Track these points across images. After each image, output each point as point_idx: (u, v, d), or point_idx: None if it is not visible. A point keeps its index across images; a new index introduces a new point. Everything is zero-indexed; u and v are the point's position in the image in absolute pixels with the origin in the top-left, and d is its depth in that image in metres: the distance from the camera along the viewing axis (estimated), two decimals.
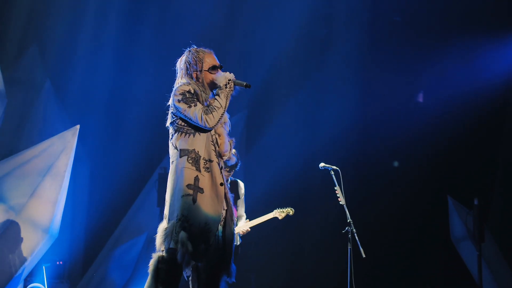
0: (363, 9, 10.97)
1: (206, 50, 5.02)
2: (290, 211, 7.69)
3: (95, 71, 10.80)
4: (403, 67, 10.93)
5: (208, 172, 4.74)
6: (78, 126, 7.43)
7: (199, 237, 4.62)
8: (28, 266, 7.19)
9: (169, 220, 4.69)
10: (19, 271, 6.93)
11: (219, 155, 4.86)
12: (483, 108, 10.32)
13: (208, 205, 4.69)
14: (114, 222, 10.68)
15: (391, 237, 10.44)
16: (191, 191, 4.65)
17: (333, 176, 6.83)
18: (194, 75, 4.93)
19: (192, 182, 4.66)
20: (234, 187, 7.63)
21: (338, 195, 6.74)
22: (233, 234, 4.89)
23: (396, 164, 11.12)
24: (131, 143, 10.70)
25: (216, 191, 4.75)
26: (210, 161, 4.77)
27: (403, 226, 10.49)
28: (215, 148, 4.83)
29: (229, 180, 7.57)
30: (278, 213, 7.68)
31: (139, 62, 10.88)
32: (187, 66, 4.95)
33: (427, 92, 11.25)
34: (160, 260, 4.66)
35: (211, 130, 4.79)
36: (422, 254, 10.42)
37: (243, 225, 7.59)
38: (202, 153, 4.76)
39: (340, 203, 6.71)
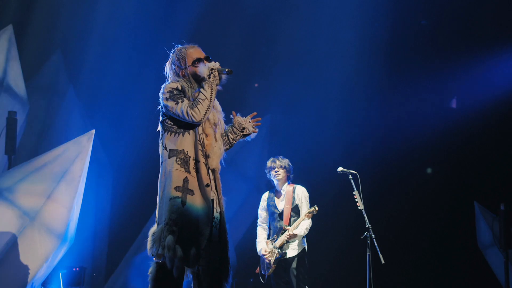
0: (388, 12, 10.84)
1: (189, 45, 4.95)
2: (313, 209, 7.49)
3: (119, 77, 10.82)
4: (428, 71, 10.79)
5: (197, 173, 4.64)
6: (93, 131, 7.34)
7: (190, 241, 4.50)
8: (44, 273, 7.16)
9: (158, 224, 4.58)
10: (35, 277, 6.91)
11: (206, 156, 4.73)
12: (510, 113, 10.13)
13: (199, 207, 4.57)
14: (136, 229, 10.66)
15: (413, 243, 10.30)
16: (179, 193, 4.54)
17: (352, 180, 6.75)
18: (181, 74, 4.87)
19: (180, 184, 4.56)
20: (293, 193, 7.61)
21: (356, 200, 6.65)
22: (227, 238, 4.80)
23: (429, 171, 10.98)
24: (154, 149, 10.65)
25: (205, 193, 4.63)
26: (198, 161, 4.66)
27: (427, 232, 10.36)
28: (202, 148, 4.71)
29: (285, 185, 7.56)
30: (307, 215, 7.52)
31: (163, 67, 10.84)
32: (173, 67, 4.90)
33: (453, 97, 11.09)
34: (159, 267, 4.54)
35: (199, 124, 4.69)
36: (448, 260, 10.26)
37: (285, 234, 7.45)
38: (192, 154, 4.66)
39: (359, 208, 6.62)
